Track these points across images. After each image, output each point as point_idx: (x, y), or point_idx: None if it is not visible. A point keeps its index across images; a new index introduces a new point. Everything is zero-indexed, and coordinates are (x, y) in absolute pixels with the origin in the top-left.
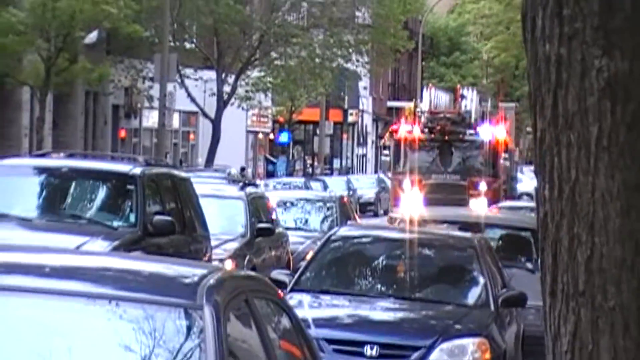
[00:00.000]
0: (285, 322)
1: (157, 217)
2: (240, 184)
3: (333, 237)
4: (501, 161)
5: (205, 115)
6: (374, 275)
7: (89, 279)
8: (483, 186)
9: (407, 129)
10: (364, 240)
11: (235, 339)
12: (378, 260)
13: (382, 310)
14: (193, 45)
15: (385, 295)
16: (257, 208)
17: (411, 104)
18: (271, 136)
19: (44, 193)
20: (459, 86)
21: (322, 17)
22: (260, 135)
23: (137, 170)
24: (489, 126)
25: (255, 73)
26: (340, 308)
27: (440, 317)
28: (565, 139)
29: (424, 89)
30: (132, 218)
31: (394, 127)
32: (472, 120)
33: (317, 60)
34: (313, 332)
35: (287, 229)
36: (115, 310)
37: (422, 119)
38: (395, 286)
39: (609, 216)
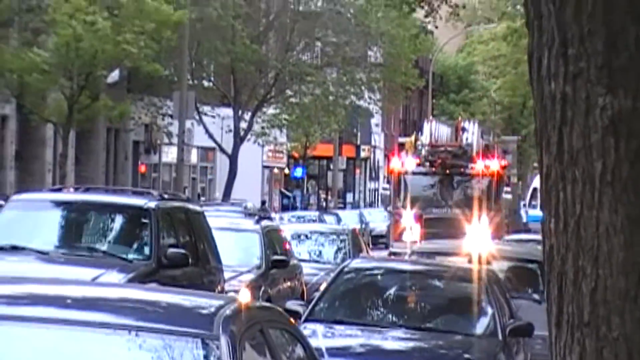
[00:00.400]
0: (299, 351)
1: (171, 250)
2: (256, 217)
3: (346, 269)
4: (503, 195)
5: (223, 150)
6: (385, 305)
7: (110, 310)
8: (484, 220)
9: (399, 162)
10: (375, 272)
11: None
12: (389, 291)
13: (393, 340)
14: (210, 84)
15: (397, 326)
16: (272, 241)
17: (412, 138)
18: (286, 171)
19: (60, 226)
20: (459, 119)
21: (336, 56)
22: (276, 170)
23: (152, 204)
24: (490, 160)
25: (270, 110)
26: (353, 338)
27: (450, 346)
28: (571, 174)
29: (425, 122)
30: (147, 251)
31: (399, 161)
32: (474, 153)
33: (330, 97)
34: None
35: (302, 260)
36: (135, 340)
37: (423, 152)
38: (406, 316)
39: (612, 249)
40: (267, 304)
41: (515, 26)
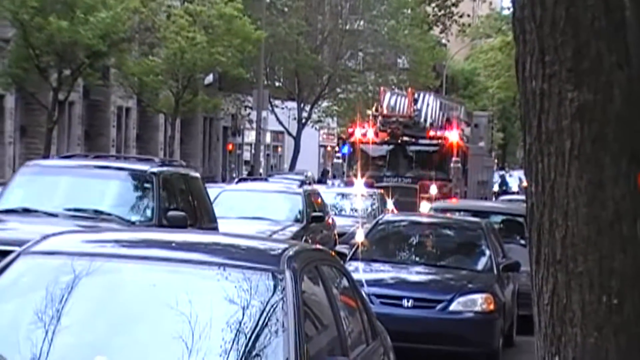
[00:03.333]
0: (344, 282)
1: (171, 212)
2: (299, 182)
3: (380, 221)
4: (452, 164)
5: (289, 134)
6: (409, 248)
7: (204, 251)
8: (434, 189)
9: (362, 132)
10: (402, 223)
11: (308, 294)
12: (413, 238)
13: (415, 274)
14: (280, 84)
15: (418, 263)
16: (311, 201)
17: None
18: (336, 149)
19: (68, 190)
20: (410, 90)
21: (373, 63)
22: (329, 148)
23: (154, 170)
24: (443, 131)
25: (325, 103)
26: (385, 272)
27: (457, 278)
28: (547, 150)
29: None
30: (149, 213)
31: (351, 130)
32: (427, 124)
33: (369, 94)
34: (365, 289)
35: (342, 215)
36: (223, 273)
37: (377, 123)
38: (425, 256)
39: (578, 206)
40: (321, 247)
41: (508, 39)
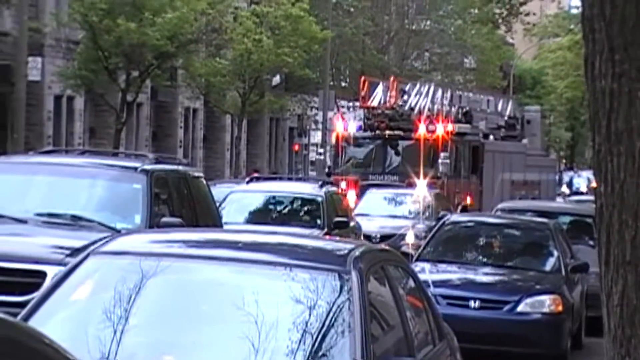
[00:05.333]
0: (410, 283)
1: (165, 219)
2: (320, 183)
3: (447, 222)
4: (440, 161)
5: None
6: (476, 249)
7: (271, 251)
8: (421, 186)
9: (344, 126)
10: (469, 224)
11: (374, 294)
12: (479, 238)
13: (482, 275)
14: (346, 84)
15: (485, 264)
16: (335, 204)
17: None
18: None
19: (42, 192)
20: (393, 78)
21: (440, 63)
22: None
23: (145, 167)
24: (435, 125)
25: None
26: (452, 273)
27: (525, 279)
28: (616, 150)
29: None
30: (138, 219)
31: (335, 124)
32: (417, 117)
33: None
34: (432, 290)
35: (390, 216)
36: (290, 273)
37: (363, 116)
38: (492, 257)
39: None
40: (387, 248)
41: (577, 38)
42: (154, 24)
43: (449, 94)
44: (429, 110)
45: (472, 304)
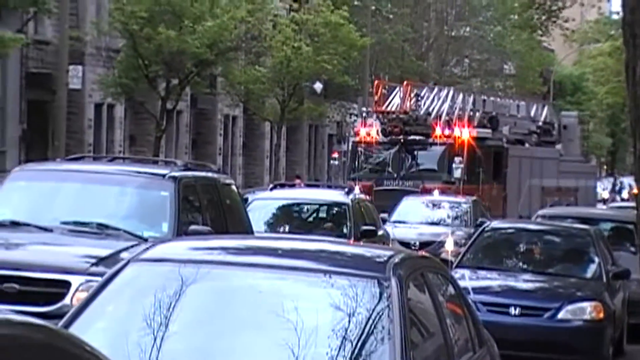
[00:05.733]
0: (450, 289)
1: (194, 227)
2: (346, 189)
3: (486, 229)
4: (454, 165)
5: None
6: (517, 255)
7: (310, 258)
8: (437, 194)
9: (367, 131)
10: (509, 230)
11: (414, 301)
12: (520, 245)
13: (522, 282)
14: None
15: (525, 271)
16: (362, 212)
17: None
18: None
19: (68, 200)
20: (406, 82)
21: (479, 70)
22: None
23: (174, 174)
24: (453, 129)
25: None
26: (492, 280)
27: (565, 286)
28: None
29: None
30: (165, 227)
31: (356, 129)
32: (433, 122)
33: None
34: (472, 297)
35: (430, 223)
36: (329, 280)
37: (379, 120)
38: (532, 264)
39: None
40: (427, 254)
41: (617, 44)
42: (194, 31)
43: (471, 99)
44: (447, 114)
45: (512, 310)
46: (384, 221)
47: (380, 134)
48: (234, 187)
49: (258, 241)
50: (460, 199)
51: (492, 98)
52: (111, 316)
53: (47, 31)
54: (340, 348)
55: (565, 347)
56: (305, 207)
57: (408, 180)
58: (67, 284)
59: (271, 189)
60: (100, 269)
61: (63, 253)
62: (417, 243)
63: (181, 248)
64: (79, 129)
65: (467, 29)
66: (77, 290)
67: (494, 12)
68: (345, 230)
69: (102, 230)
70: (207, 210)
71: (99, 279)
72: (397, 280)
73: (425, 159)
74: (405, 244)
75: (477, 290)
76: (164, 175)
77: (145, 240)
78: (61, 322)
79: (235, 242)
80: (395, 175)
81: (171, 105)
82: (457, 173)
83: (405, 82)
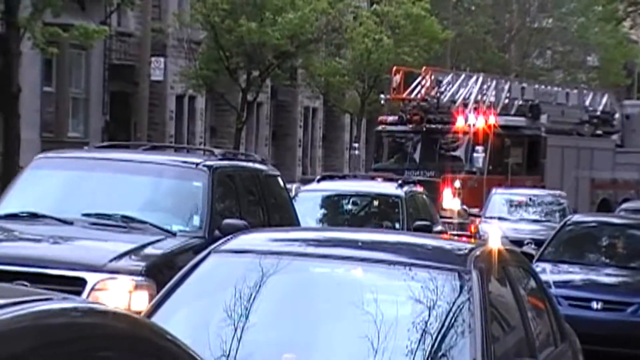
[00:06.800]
0: (532, 283)
1: (228, 221)
2: (399, 182)
3: (568, 222)
4: (475, 155)
5: None
6: (598, 249)
7: (390, 250)
8: (457, 184)
9: (394, 120)
10: (591, 224)
11: (494, 294)
12: (602, 239)
13: (605, 276)
14: None
15: (607, 265)
16: (417, 206)
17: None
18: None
19: (92, 191)
20: (426, 68)
21: (562, 61)
22: None
23: (208, 163)
24: (477, 117)
25: None
26: (574, 274)
27: None
28: None
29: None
30: (197, 221)
31: (383, 117)
32: (453, 109)
33: None
34: (553, 291)
35: (524, 220)
36: (409, 272)
37: (401, 108)
38: (615, 258)
39: None
40: (508, 247)
41: None
42: (275, 23)
43: (507, 86)
44: (475, 102)
45: (594, 305)
46: (477, 217)
47: (400, 122)
48: (278, 179)
49: (337, 233)
50: (554, 192)
51: (535, 85)
52: (192, 306)
53: (129, 23)
54: (420, 341)
55: None
56: (354, 200)
57: (429, 170)
58: (82, 282)
59: (318, 181)
60: (121, 264)
61: (80, 247)
62: (532, 241)
63: (262, 239)
64: (161, 120)
65: (550, 20)
66: (93, 288)
67: (578, 3)
68: (397, 226)
69: (126, 223)
70: (247, 202)
71: (118, 276)
72: (478, 273)
73: (447, 148)
74: (516, 243)
75: (559, 284)
76: (197, 164)
77: (174, 234)
78: (144, 312)
79: (315, 234)
80: (416, 165)
81: (252, 97)
82: (479, 163)
83: (424, 68)
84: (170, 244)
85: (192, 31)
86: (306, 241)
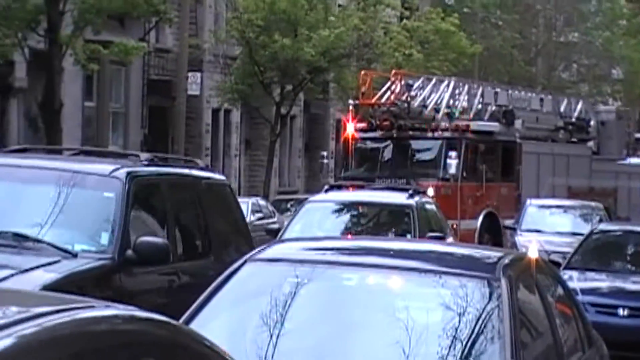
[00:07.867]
0: (559, 290)
1: (143, 239)
2: (410, 192)
3: (595, 231)
4: (449, 161)
5: None
6: (625, 257)
7: (421, 258)
8: (430, 192)
9: (363, 126)
10: (617, 233)
11: (523, 302)
12: (628, 247)
13: (631, 283)
14: None
15: (634, 272)
16: (428, 218)
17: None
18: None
19: None
20: (394, 71)
21: (588, 75)
22: None
23: (125, 170)
24: (448, 122)
25: None
26: (600, 281)
27: None
28: None
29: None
30: (104, 239)
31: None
32: (429, 114)
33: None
34: (580, 298)
35: (574, 234)
36: (439, 280)
37: (370, 113)
38: None
39: None
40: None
41: None
42: (310, 39)
43: (479, 91)
44: (447, 107)
45: (621, 311)
46: (511, 229)
47: (369, 128)
48: (225, 189)
49: (369, 242)
50: (591, 203)
51: (510, 91)
52: (229, 314)
53: (167, 40)
54: (450, 347)
55: None
56: (364, 211)
57: (401, 178)
58: None
59: (326, 191)
60: None
61: None
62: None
63: (296, 248)
64: (197, 133)
65: (576, 34)
66: None
67: (603, 17)
68: (409, 237)
69: (18, 242)
70: (175, 216)
71: None
72: (507, 281)
73: (419, 154)
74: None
75: (586, 292)
76: (110, 172)
77: (75, 255)
78: (182, 318)
79: (347, 243)
80: (387, 172)
81: (285, 110)
82: (452, 169)
83: (393, 72)
84: (63, 268)
85: (227, 47)
86: (339, 250)
